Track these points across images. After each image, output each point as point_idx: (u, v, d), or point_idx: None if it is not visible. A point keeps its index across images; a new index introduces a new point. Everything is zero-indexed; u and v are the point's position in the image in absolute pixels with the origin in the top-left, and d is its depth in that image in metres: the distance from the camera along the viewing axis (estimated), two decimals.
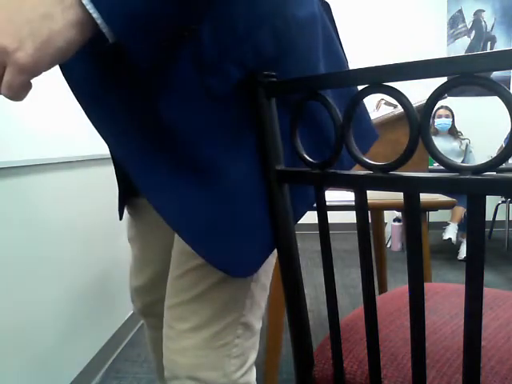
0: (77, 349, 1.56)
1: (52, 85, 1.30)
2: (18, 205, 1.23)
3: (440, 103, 3.45)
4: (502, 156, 0.40)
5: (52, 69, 0.47)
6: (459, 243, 3.36)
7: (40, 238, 1.33)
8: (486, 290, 0.82)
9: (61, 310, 1.45)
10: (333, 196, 1.18)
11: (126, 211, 0.89)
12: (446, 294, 0.84)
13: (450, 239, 3.21)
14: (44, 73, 0.47)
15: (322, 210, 0.57)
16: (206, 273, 0.67)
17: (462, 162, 3.54)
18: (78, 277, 1.59)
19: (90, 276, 1.67)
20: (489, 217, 3.89)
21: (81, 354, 1.59)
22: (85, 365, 1.60)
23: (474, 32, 4.33)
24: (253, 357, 0.74)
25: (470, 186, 0.42)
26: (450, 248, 3.41)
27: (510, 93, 0.38)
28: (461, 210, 3.27)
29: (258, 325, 0.75)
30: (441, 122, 3.62)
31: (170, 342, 0.71)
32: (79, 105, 0.62)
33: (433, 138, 0.44)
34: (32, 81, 0.48)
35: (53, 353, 1.39)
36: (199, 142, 0.60)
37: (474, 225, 0.43)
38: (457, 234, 3.26)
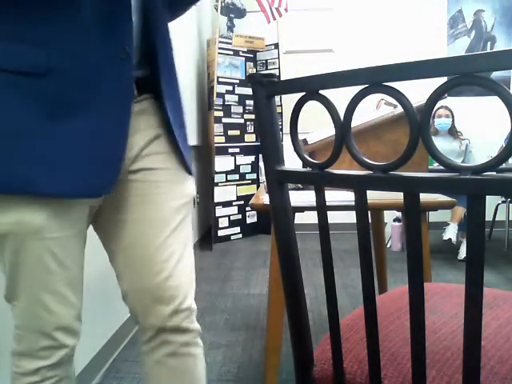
0: (77, 349, 1.56)
1: None
2: None
3: (440, 103, 3.45)
4: (502, 156, 0.40)
5: None
6: (459, 243, 3.36)
7: None
8: (486, 290, 0.82)
9: None
10: (333, 196, 1.18)
11: None
12: (446, 294, 0.84)
13: (450, 239, 3.21)
14: None
15: (322, 209, 0.57)
16: None
17: (462, 162, 3.54)
18: None
19: (89, 276, 1.67)
20: (489, 217, 3.89)
21: (81, 353, 1.59)
22: (85, 365, 1.60)
23: (473, 32, 4.33)
24: None
25: (470, 186, 0.42)
26: (450, 248, 3.41)
27: (510, 93, 0.38)
28: (461, 210, 3.27)
29: None
30: (441, 122, 3.62)
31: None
32: None
33: (433, 138, 0.44)
34: None
35: None
36: None
37: (474, 225, 0.43)
38: (457, 234, 3.26)
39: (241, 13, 4.11)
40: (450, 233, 3.23)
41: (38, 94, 0.70)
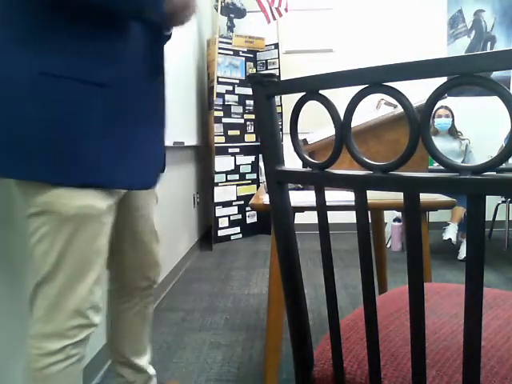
0: None
1: None
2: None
3: (440, 103, 3.45)
4: (502, 156, 0.40)
5: None
6: (459, 243, 3.36)
7: None
8: (485, 290, 0.82)
9: None
10: (333, 196, 1.18)
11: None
12: (446, 294, 0.84)
13: (450, 239, 3.21)
14: None
15: (322, 209, 0.57)
16: None
17: (462, 162, 3.54)
18: None
19: None
20: (489, 217, 3.89)
21: None
22: (85, 365, 1.60)
23: (473, 32, 4.33)
24: None
25: (470, 186, 0.42)
26: (450, 248, 3.41)
27: (510, 93, 0.38)
28: (461, 210, 3.27)
29: None
30: (441, 122, 3.62)
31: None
32: None
33: (433, 138, 0.44)
34: None
35: None
36: None
37: (474, 225, 0.43)
38: (457, 234, 3.26)
39: (241, 13, 4.11)
40: (450, 233, 3.23)
41: (105, 101, 0.87)
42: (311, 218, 1.00)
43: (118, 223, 1.05)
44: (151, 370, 1.35)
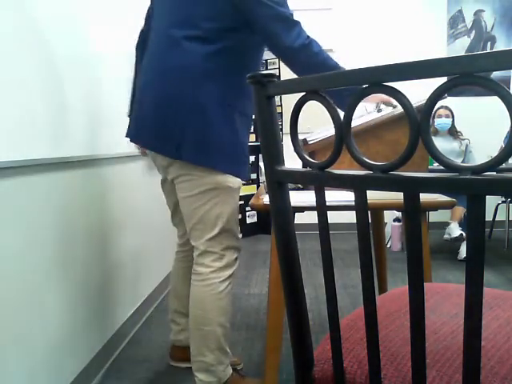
0: (77, 349, 1.56)
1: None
2: (17, 206, 1.23)
3: (440, 103, 3.45)
4: (502, 156, 0.40)
5: None
6: (461, 242, 3.35)
7: (45, 238, 1.33)
8: (485, 290, 0.82)
9: (61, 310, 1.45)
10: (333, 196, 1.18)
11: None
12: (446, 294, 0.84)
13: (461, 235, 3.16)
14: None
15: (322, 209, 0.57)
16: None
17: (462, 162, 3.54)
18: (78, 277, 1.59)
19: (90, 276, 1.67)
20: (489, 217, 3.89)
21: (81, 353, 1.59)
22: (85, 365, 1.60)
23: (473, 32, 4.33)
24: None
25: (470, 186, 0.42)
26: (450, 248, 3.41)
27: (510, 93, 0.38)
28: (461, 210, 3.27)
29: None
30: (441, 122, 3.62)
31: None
32: None
33: (433, 138, 0.44)
34: None
35: (53, 353, 1.39)
36: None
37: (474, 225, 0.43)
38: (462, 230, 3.23)
39: None
40: (456, 230, 3.21)
41: (248, 126, 1.48)
42: (311, 218, 1.00)
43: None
44: None
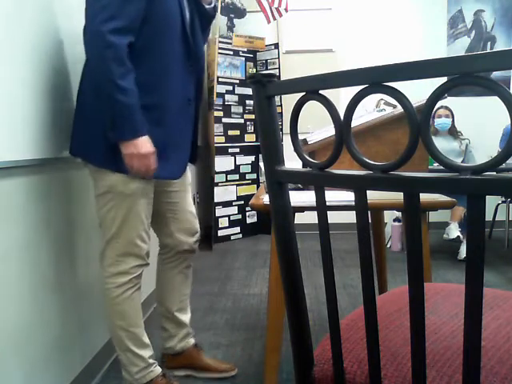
0: (77, 349, 1.56)
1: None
2: (17, 206, 1.23)
3: (440, 103, 3.44)
4: (502, 156, 0.40)
5: None
6: (459, 243, 3.35)
7: (44, 238, 1.33)
8: (486, 290, 0.82)
9: (61, 310, 1.45)
10: (333, 196, 1.19)
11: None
12: (446, 294, 0.84)
13: (458, 237, 3.17)
14: None
15: (322, 209, 0.57)
16: None
17: (462, 162, 3.54)
18: (78, 277, 1.59)
19: (90, 276, 1.67)
20: (489, 217, 3.89)
21: (81, 353, 1.59)
22: (85, 365, 1.60)
23: (473, 32, 4.33)
24: None
25: (470, 186, 0.42)
26: (450, 248, 3.41)
27: (510, 93, 0.38)
28: (461, 210, 3.27)
29: None
30: (441, 122, 3.62)
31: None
32: None
33: (433, 138, 0.44)
34: None
35: (53, 353, 1.39)
36: None
37: (473, 225, 0.43)
38: (461, 232, 3.23)
39: (241, 13, 4.11)
40: (455, 231, 3.21)
41: (155, 119, 1.36)
42: (311, 217, 1.00)
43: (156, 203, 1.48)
44: (190, 328, 1.70)
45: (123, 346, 1.44)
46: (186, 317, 1.67)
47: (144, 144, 1.26)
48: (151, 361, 1.49)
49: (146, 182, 1.36)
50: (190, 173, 1.62)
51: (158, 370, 1.51)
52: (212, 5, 1.55)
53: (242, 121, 4.13)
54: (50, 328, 1.39)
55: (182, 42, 1.38)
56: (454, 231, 3.22)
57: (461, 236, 3.18)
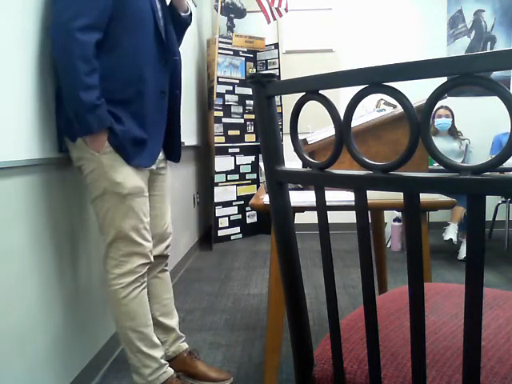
0: (77, 349, 1.56)
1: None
2: (17, 206, 1.23)
3: (440, 103, 3.45)
4: (502, 156, 0.40)
5: None
6: (459, 243, 3.35)
7: (44, 238, 1.33)
8: (485, 290, 0.82)
9: (61, 310, 1.45)
10: (333, 196, 1.19)
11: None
12: (446, 294, 0.84)
13: (451, 239, 3.20)
14: None
15: (322, 209, 0.57)
16: None
17: (462, 162, 3.54)
18: (79, 277, 1.59)
19: (91, 276, 1.67)
20: (489, 217, 3.89)
21: (81, 353, 1.59)
22: (85, 365, 1.60)
23: (473, 32, 4.33)
24: None
25: (470, 186, 0.42)
26: (450, 248, 3.41)
27: (510, 93, 0.38)
28: (461, 210, 3.27)
29: None
30: (441, 122, 3.62)
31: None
32: None
33: (433, 138, 0.44)
34: None
35: (53, 353, 1.39)
36: None
37: (473, 225, 0.43)
38: (457, 234, 3.25)
39: (241, 13, 4.10)
40: (451, 233, 3.22)
41: (133, 112, 1.39)
42: (311, 218, 1.00)
43: None
44: (180, 332, 1.68)
45: (134, 347, 1.43)
46: (171, 321, 1.65)
47: (102, 139, 1.30)
48: (163, 361, 1.48)
49: (140, 181, 1.38)
50: (171, 174, 1.65)
51: (170, 370, 1.49)
52: (188, 12, 1.58)
53: (242, 121, 4.13)
54: (51, 328, 1.39)
55: (154, 38, 1.40)
56: (449, 233, 3.23)
57: (454, 239, 3.19)
